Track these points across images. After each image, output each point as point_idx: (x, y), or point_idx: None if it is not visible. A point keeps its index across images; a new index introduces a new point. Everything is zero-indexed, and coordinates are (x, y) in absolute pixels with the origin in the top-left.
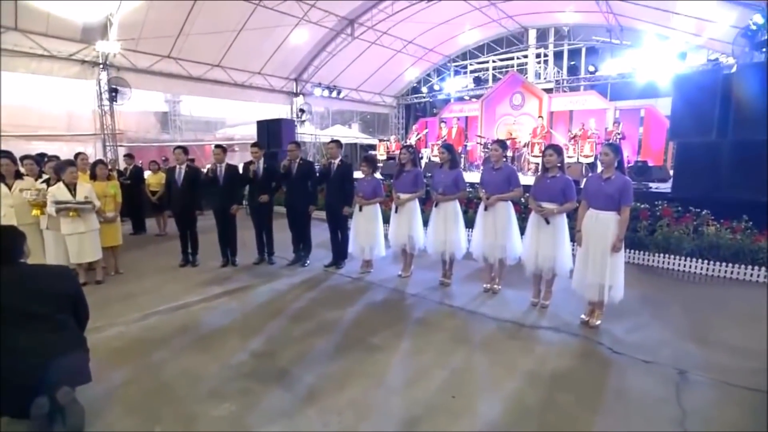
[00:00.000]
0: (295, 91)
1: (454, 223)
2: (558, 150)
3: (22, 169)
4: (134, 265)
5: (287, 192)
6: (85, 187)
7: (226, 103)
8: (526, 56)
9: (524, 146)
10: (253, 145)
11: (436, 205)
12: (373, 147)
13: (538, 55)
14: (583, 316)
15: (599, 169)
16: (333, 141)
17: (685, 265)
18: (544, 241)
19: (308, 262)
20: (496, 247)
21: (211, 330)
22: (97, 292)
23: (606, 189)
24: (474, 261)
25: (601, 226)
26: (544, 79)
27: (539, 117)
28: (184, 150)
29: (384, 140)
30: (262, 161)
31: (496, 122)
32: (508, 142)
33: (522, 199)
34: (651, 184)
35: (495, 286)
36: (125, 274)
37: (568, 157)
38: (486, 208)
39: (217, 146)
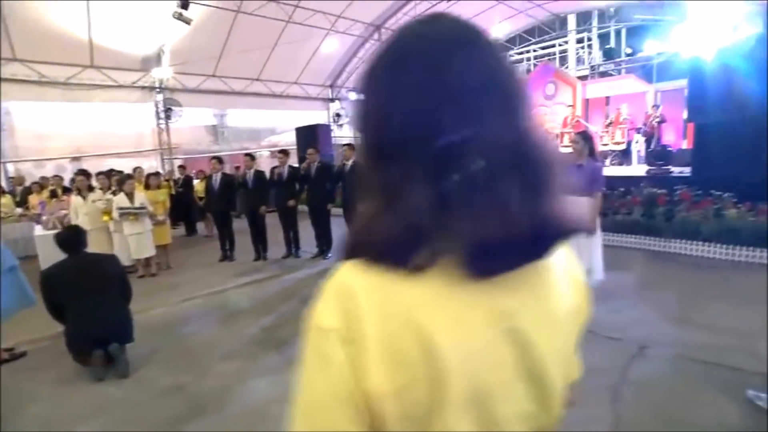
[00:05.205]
0: (330, 97)
1: None
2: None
3: (94, 183)
4: (183, 261)
5: (308, 192)
6: (141, 196)
7: (268, 113)
8: (567, 42)
9: (556, 137)
10: (280, 151)
11: None
12: None
13: (580, 40)
14: None
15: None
16: (346, 144)
17: (703, 251)
18: None
19: (330, 254)
20: None
21: (235, 310)
22: (151, 283)
23: (577, 175)
24: None
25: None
26: (589, 64)
27: (569, 106)
28: (219, 160)
29: None
30: (287, 166)
31: None
32: None
33: None
34: (674, 169)
35: None
36: (175, 268)
37: (603, 145)
38: None
39: (246, 154)
